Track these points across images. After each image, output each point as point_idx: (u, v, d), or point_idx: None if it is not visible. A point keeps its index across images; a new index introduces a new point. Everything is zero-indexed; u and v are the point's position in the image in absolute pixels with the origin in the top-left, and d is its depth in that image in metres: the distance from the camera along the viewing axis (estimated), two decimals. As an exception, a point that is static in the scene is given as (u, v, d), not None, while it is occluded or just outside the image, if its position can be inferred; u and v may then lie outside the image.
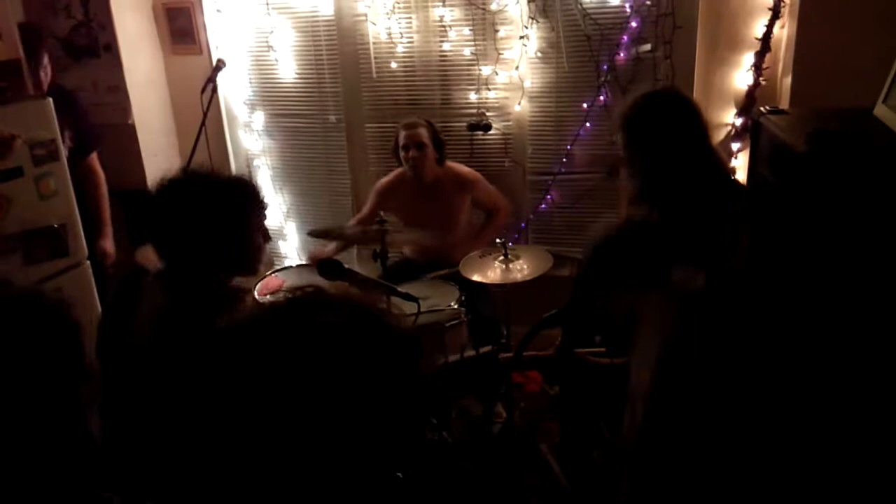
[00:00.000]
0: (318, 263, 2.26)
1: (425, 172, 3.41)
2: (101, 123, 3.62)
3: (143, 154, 3.89)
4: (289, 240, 4.32)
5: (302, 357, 0.87)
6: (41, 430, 1.17)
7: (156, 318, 1.67)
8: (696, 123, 2.12)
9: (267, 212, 1.89)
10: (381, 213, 3.05)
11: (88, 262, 2.81)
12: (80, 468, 1.21)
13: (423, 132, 3.38)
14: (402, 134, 3.39)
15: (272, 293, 2.89)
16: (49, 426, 1.18)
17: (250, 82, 4.10)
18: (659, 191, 2.06)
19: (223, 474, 0.89)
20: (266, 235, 1.91)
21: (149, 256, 2.82)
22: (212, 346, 0.92)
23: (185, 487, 0.95)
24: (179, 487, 0.98)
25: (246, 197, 1.81)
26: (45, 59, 3.15)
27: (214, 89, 3.67)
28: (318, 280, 2.15)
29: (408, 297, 2.42)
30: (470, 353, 2.84)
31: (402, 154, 3.41)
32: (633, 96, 2.21)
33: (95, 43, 3.79)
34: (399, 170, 3.54)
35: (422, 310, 2.80)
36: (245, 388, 0.87)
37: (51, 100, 2.70)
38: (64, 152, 3.18)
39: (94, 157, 3.41)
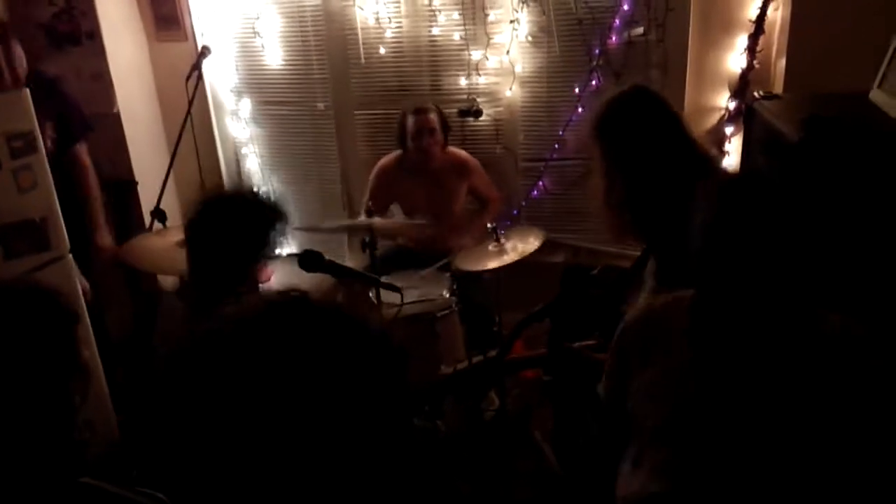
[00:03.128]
0: (299, 255, 2.22)
1: (435, 158, 3.36)
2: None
3: (129, 143, 3.83)
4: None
5: (280, 364, 0.85)
6: (28, 420, 1.18)
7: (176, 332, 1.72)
8: (670, 117, 2.11)
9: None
10: (370, 202, 3.01)
11: (71, 256, 2.76)
12: (60, 457, 1.21)
13: (434, 117, 3.33)
14: (412, 119, 3.32)
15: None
16: (37, 416, 1.19)
17: (237, 69, 4.03)
18: (646, 199, 2.02)
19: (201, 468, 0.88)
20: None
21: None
22: (199, 347, 0.91)
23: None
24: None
25: (279, 221, 1.92)
26: (17, 51, 3.04)
27: (200, 77, 3.62)
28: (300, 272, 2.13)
29: (391, 288, 2.38)
30: (463, 365, 2.80)
31: (411, 141, 3.34)
32: (600, 102, 2.21)
33: (78, 30, 3.71)
34: (396, 152, 3.48)
35: (413, 299, 2.77)
36: (225, 389, 0.86)
37: (27, 90, 2.62)
38: (46, 144, 3.10)
39: (79, 147, 3.30)
